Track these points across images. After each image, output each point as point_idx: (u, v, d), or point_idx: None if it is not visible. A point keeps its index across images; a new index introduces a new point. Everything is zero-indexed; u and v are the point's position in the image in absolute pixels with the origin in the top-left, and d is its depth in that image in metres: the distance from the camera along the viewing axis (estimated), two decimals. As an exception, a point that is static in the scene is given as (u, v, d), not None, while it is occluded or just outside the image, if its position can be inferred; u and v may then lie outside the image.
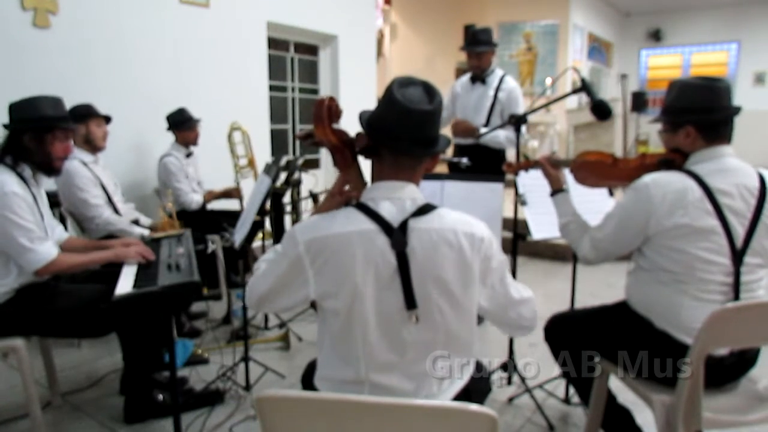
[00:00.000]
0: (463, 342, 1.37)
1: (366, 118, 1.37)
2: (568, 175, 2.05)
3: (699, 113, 1.70)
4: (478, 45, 3.60)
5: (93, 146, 3.14)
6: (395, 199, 1.32)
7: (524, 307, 1.43)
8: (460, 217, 1.34)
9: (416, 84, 1.33)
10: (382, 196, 1.32)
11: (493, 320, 1.46)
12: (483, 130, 3.53)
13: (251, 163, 4.43)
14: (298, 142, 5.65)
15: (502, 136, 3.54)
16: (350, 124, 1.41)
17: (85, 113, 3.07)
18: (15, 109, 2.20)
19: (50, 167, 2.26)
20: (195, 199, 3.87)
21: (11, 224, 2.06)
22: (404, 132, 1.29)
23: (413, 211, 1.31)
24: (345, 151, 1.43)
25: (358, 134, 1.39)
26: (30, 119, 2.18)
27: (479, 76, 3.71)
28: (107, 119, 3.19)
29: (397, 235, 1.27)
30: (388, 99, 1.30)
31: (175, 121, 3.85)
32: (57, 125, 2.22)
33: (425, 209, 1.32)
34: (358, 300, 1.26)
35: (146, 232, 3.04)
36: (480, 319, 4.02)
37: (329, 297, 1.29)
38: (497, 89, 3.65)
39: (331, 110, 1.39)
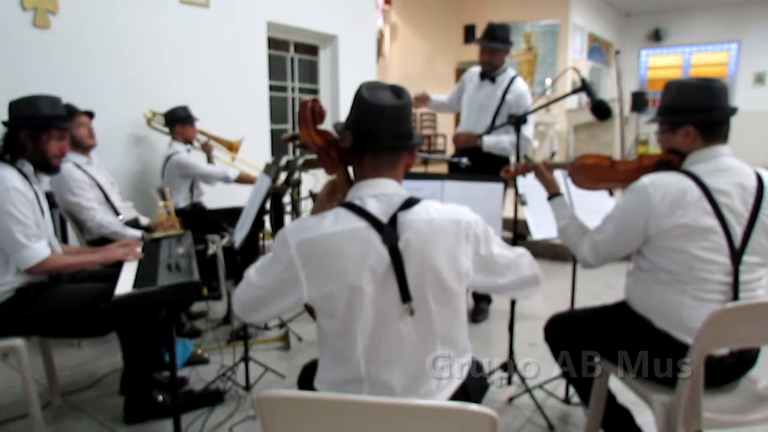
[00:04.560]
0: (456, 335, 1.38)
1: (343, 127, 1.40)
2: (566, 178, 2.05)
3: (698, 112, 1.71)
4: (494, 41, 3.35)
5: (83, 146, 3.09)
6: (381, 195, 1.34)
7: (522, 260, 1.47)
8: (446, 206, 1.37)
9: (383, 87, 1.38)
10: (368, 194, 1.34)
11: (497, 290, 1.48)
12: (485, 138, 3.36)
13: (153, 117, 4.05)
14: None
15: (506, 142, 3.36)
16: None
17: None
18: (14, 106, 2.24)
19: (48, 165, 2.28)
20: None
21: (11, 218, 2.07)
22: (382, 128, 1.33)
23: (400, 205, 1.32)
24: (330, 151, 1.44)
25: (343, 134, 1.40)
26: (27, 117, 2.21)
27: (489, 74, 3.48)
28: (90, 114, 3.12)
29: (388, 230, 1.28)
30: (359, 102, 1.35)
31: (178, 117, 3.84)
32: (53, 124, 2.23)
33: (411, 202, 1.34)
34: (356, 298, 1.26)
35: (138, 233, 3.02)
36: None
37: (325, 298, 1.29)
38: (506, 90, 3.42)
39: (315, 111, 1.40)
